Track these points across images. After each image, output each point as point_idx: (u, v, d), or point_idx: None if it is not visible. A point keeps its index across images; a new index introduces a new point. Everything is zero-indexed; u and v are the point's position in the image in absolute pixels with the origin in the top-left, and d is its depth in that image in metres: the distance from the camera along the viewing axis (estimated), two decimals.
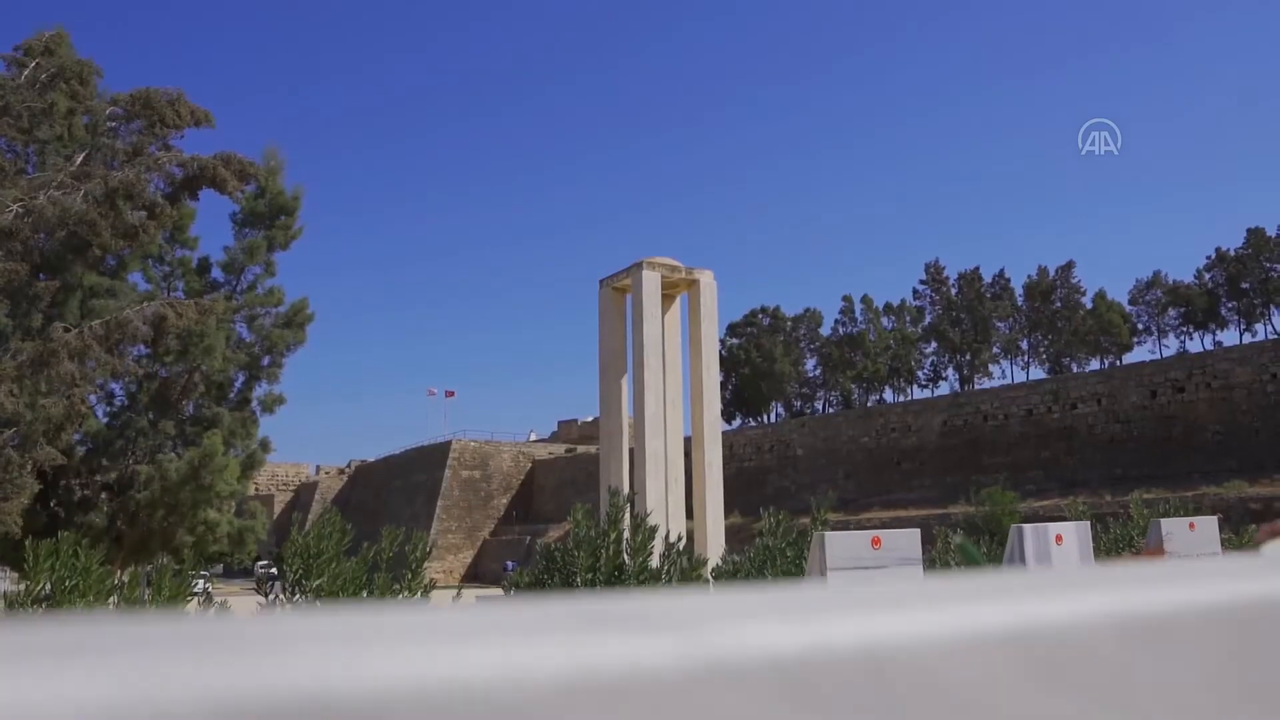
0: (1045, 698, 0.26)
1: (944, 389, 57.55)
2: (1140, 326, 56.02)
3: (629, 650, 0.20)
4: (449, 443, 59.90)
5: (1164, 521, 7.77)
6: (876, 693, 0.24)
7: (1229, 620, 0.31)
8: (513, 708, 0.17)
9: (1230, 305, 53.32)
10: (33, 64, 19.76)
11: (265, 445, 23.36)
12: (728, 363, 57.89)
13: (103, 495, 21.11)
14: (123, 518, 20.72)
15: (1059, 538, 5.22)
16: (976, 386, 54.85)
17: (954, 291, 58.09)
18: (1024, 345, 57.69)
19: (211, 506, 20.77)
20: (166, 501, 20.31)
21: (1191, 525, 7.98)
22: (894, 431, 47.64)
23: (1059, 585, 0.29)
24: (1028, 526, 5.24)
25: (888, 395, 59.71)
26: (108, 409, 22.43)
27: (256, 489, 52.16)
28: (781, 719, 0.22)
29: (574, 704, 0.18)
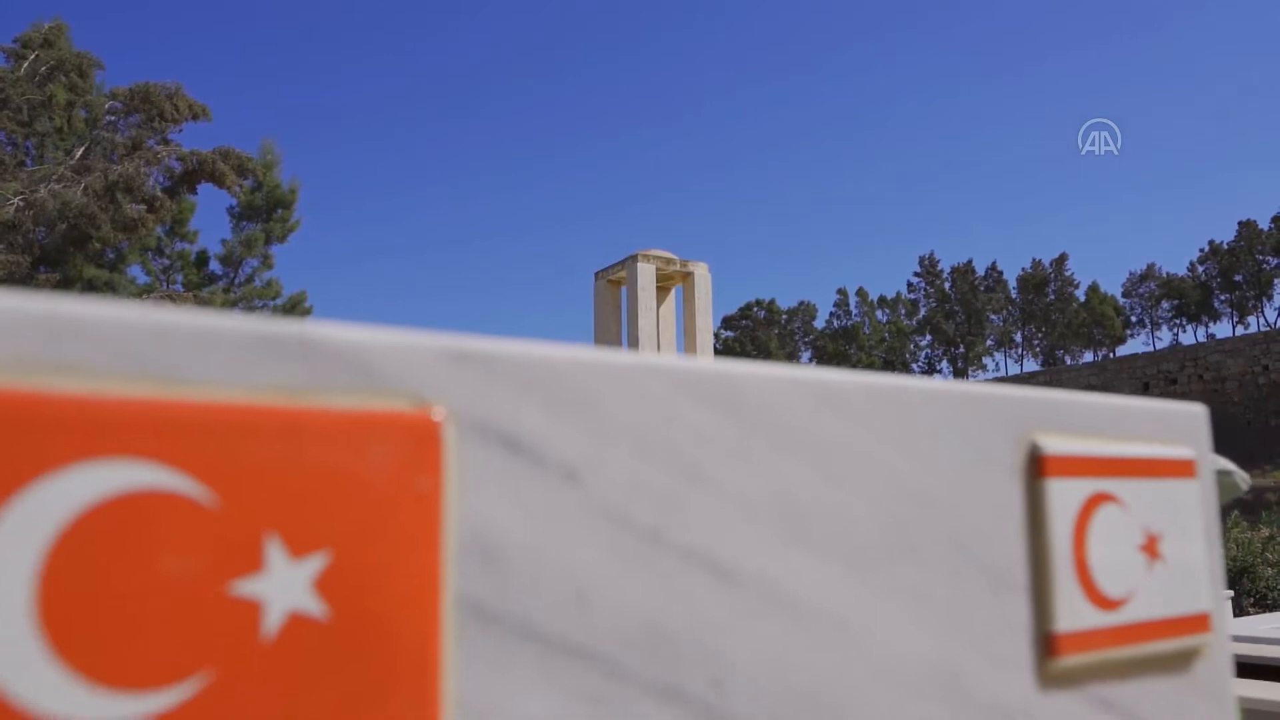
0: (831, 418, 0.48)
1: None
2: (1133, 319, 56.34)
3: (616, 357, 0.42)
4: None
5: None
6: (730, 397, 0.46)
7: (942, 399, 0.53)
8: (571, 372, 0.39)
9: (1223, 298, 53.63)
10: (32, 56, 19.87)
11: None
12: (723, 355, 58.01)
13: None
14: None
15: None
16: (970, 379, 54.95)
17: (948, 285, 58.36)
18: (1018, 338, 57.98)
19: None
20: None
21: None
22: None
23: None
24: None
25: None
26: None
27: None
28: (675, 400, 0.44)
29: (589, 372, 0.40)
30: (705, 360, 0.43)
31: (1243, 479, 0.96)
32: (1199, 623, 0.60)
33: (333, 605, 0.33)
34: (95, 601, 0.29)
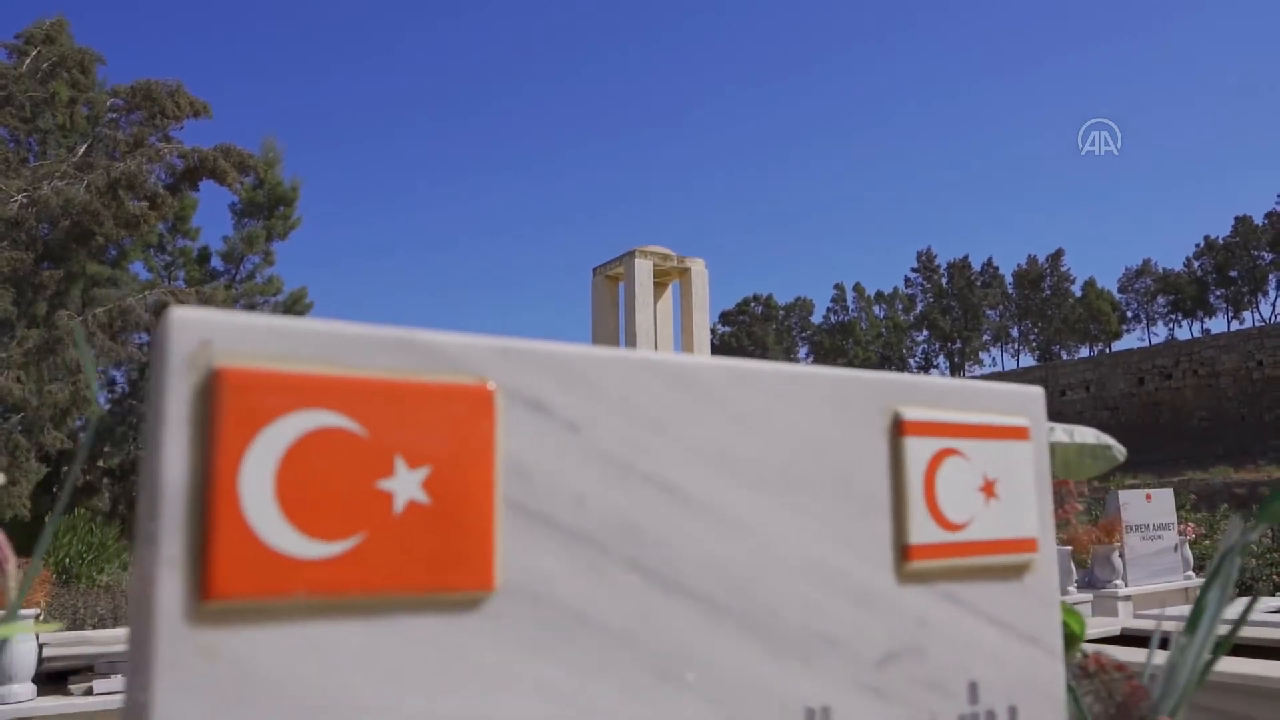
0: (752, 392, 0.70)
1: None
2: (1129, 314, 56.59)
3: (605, 351, 0.65)
4: None
5: (1121, 493, 8.29)
6: (682, 377, 0.68)
7: (833, 380, 0.75)
8: (574, 360, 0.62)
9: (1218, 293, 53.85)
10: (34, 52, 20.03)
11: None
12: (720, 351, 58.15)
13: (105, 480, 21.53)
14: (124, 502, 21.13)
15: None
16: (967, 374, 55.14)
17: (945, 280, 58.54)
18: (1014, 333, 58.18)
19: None
20: None
21: (1148, 497, 8.49)
22: None
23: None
24: None
25: None
26: (110, 396, 22.82)
27: None
28: (643, 378, 0.66)
29: (586, 360, 0.63)
30: (664, 353, 0.66)
31: (1120, 451, 1.17)
32: (1028, 544, 0.82)
33: (433, 497, 0.55)
34: (305, 488, 0.52)
